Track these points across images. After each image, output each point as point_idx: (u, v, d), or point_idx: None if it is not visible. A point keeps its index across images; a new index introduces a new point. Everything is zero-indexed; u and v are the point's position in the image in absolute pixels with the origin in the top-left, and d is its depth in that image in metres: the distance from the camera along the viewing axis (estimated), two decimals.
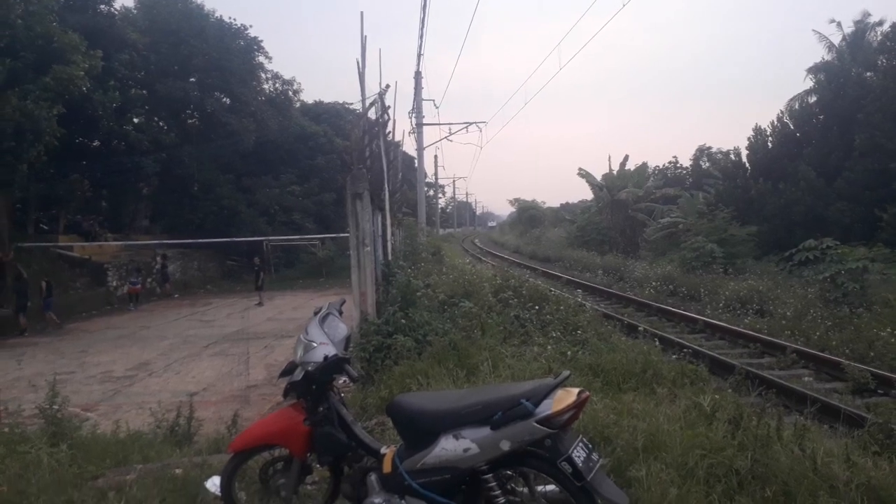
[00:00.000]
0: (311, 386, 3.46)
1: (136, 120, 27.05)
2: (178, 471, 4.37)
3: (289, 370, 3.56)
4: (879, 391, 8.07)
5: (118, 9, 27.37)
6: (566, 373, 3.15)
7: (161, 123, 28.99)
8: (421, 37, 22.58)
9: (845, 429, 5.25)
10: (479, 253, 42.24)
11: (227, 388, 10.56)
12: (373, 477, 3.36)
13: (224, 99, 32.10)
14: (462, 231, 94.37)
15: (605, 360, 6.80)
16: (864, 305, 12.05)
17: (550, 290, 11.85)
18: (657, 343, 8.87)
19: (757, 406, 4.97)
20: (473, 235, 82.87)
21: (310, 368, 3.40)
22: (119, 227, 29.60)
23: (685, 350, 9.09)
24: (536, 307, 9.64)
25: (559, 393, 2.99)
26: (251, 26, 32.70)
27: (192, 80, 30.74)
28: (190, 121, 32.44)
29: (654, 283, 18.94)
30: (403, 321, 8.01)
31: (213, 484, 3.86)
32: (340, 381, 3.66)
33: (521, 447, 2.98)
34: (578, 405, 2.97)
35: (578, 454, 2.93)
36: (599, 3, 18.04)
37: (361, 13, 10.64)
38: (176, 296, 26.67)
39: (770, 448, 4.05)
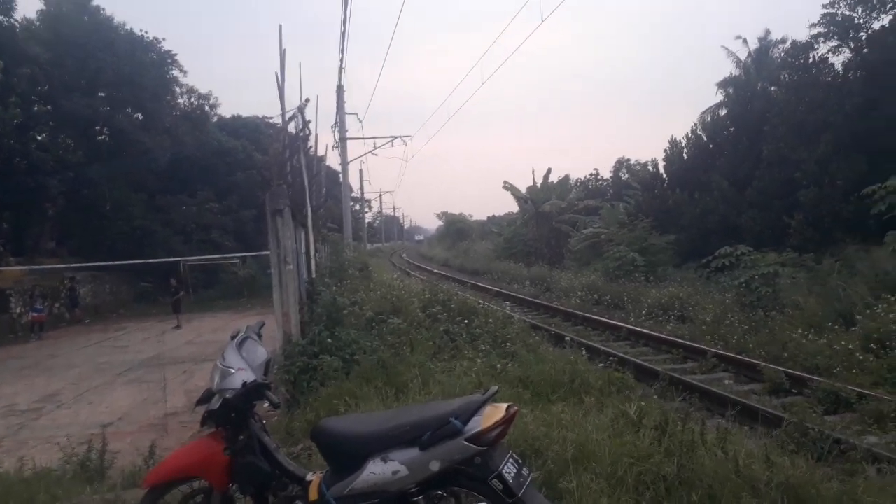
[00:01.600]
0: (230, 414, 3.28)
1: (39, 137, 25.67)
2: None
3: (206, 398, 3.36)
4: (794, 391, 8.42)
5: (19, 21, 25.99)
6: (494, 388, 3.09)
7: (67, 141, 27.50)
8: (342, 50, 22.42)
9: (764, 429, 5.43)
10: (407, 267, 42.13)
11: (143, 417, 10.07)
12: None
13: (136, 115, 30.87)
14: (391, 245, 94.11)
15: (534, 372, 6.82)
16: (776, 308, 12.61)
17: (479, 303, 11.85)
18: (584, 352, 8.98)
19: (681, 411, 5.07)
20: (402, 250, 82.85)
21: (228, 396, 3.22)
22: (22, 251, 27.84)
23: (611, 358, 9.25)
24: (466, 321, 9.60)
25: (488, 409, 2.93)
26: (164, 39, 31.52)
27: (101, 95, 29.43)
28: (99, 138, 30.94)
29: (579, 293, 19.32)
30: (329, 340, 7.80)
31: None
32: (265, 406, 3.48)
33: (450, 466, 2.90)
34: (507, 420, 2.92)
35: (509, 470, 2.88)
36: (519, 18, 18.46)
37: (280, 26, 10.39)
38: (87, 321, 25.27)
39: (695, 453, 4.14)
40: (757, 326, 11.70)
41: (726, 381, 8.95)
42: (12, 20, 24.72)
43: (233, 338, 3.56)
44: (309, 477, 3.29)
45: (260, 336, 3.70)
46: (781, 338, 10.53)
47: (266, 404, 3.39)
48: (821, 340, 9.91)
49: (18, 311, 23.00)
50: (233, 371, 3.27)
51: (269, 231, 7.83)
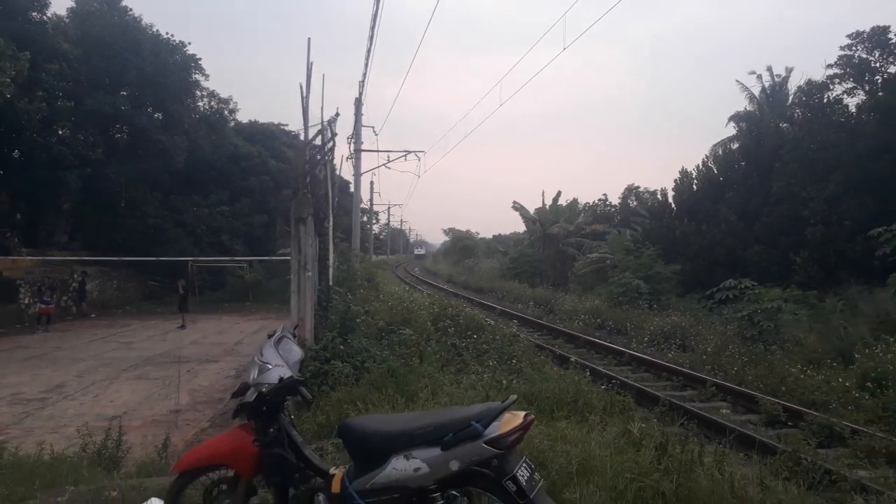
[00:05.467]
0: (262, 407, 3.49)
1: (61, 132, 26.04)
2: (113, 493, 4.27)
3: (241, 391, 3.58)
4: (790, 423, 8.60)
5: (50, 17, 26.49)
6: (513, 397, 3.32)
7: (88, 137, 27.93)
8: (366, 65, 22.81)
9: (759, 457, 5.61)
10: (413, 281, 42.30)
11: (147, 413, 10.25)
12: (321, 497, 3.41)
13: (156, 115, 31.29)
14: (395, 258, 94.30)
15: (539, 389, 7.03)
16: (777, 343, 12.78)
17: (486, 321, 12.07)
18: (587, 374, 9.17)
19: (680, 435, 5.27)
20: (405, 263, 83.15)
21: (264, 390, 3.44)
22: (34, 242, 28.16)
23: (613, 381, 9.43)
24: (474, 336, 9.82)
25: (506, 416, 3.15)
26: (190, 43, 32.03)
27: (124, 94, 29.89)
28: (119, 136, 31.39)
29: (582, 316, 19.48)
30: (342, 347, 8.03)
31: None
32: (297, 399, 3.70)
33: (469, 467, 3.11)
34: (524, 427, 3.14)
35: (522, 473, 3.10)
36: (541, 44, 18.81)
37: (308, 39, 10.65)
38: (93, 316, 25.51)
39: (693, 472, 4.33)
40: (757, 359, 11.86)
41: (724, 410, 9.12)
42: (44, 16, 25.23)
43: (270, 336, 3.80)
44: (332, 471, 3.50)
45: (294, 336, 3.94)
46: (780, 371, 10.70)
47: (297, 398, 3.60)
48: (819, 376, 10.08)
49: (27, 301, 23.24)
50: (270, 367, 3.50)
51: (291, 238, 8.07)
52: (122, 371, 13.74)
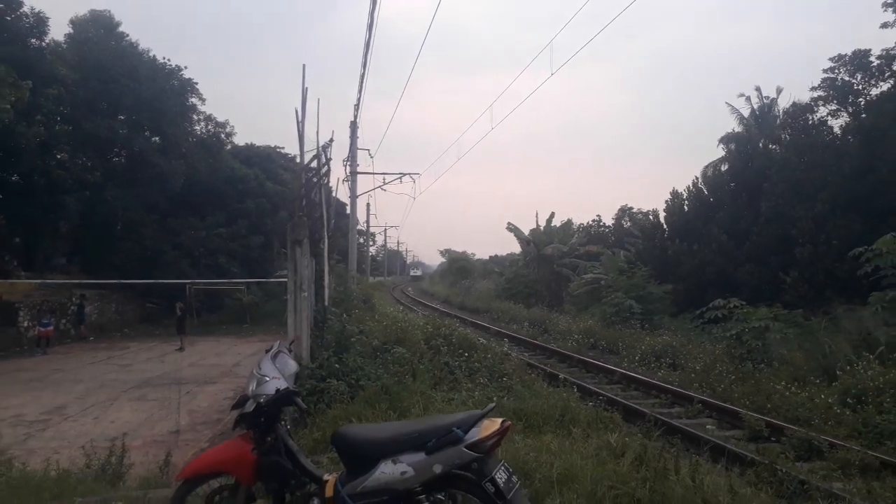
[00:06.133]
0: (260, 418, 3.75)
1: (59, 156, 26.36)
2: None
3: (240, 402, 3.84)
4: (772, 438, 8.84)
5: (48, 43, 26.94)
6: (492, 404, 3.62)
7: (86, 161, 28.27)
8: (360, 90, 23.19)
9: (737, 468, 5.85)
10: (409, 303, 42.49)
11: (148, 433, 10.39)
12: (315, 501, 3.67)
13: (154, 139, 31.63)
14: (392, 279, 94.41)
15: (528, 406, 7.29)
16: (765, 361, 13.01)
17: (479, 340, 12.31)
18: (576, 391, 9.42)
19: (658, 446, 5.52)
20: (402, 284, 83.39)
21: (261, 401, 3.70)
22: (32, 266, 28.33)
23: (601, 398, 9.66)
24: (466, 355, 10.07)
25: (485, 422, 3.45)
26: (186, 67, 32.42)
27: (121, 118, 30.28)
28: (116, 159, 31.74)
29: (576, 336, 19.73)
30: (337, 366, 8.27)
31: None
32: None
33: (450, 470, 3.39)
34: (502, 432, 3.43)
35: (500, 476, 3.38)
36: (530, 67, 19.33)
37: (304, 66, 11.00)
38: (91, 338, 25.63)
39: (667, 480, 4.59)
40: (744, 377, 12.10)
41: (708, 427, 9.35)
42: (43, 42, 25.65)
43: (267, 351, 4.08)
44: (326, 477, 3.77)
45: (290, 351, 4.21)
46: (766, 389, 10.94)
47: (293, 409, 3.86)
48: (803, 393, 10.33)
49: (26, 324, 23.37)
50: (268, 379, 3.78)
51: (288, 259, 8.34)
52: (121, 393, 13.87)
